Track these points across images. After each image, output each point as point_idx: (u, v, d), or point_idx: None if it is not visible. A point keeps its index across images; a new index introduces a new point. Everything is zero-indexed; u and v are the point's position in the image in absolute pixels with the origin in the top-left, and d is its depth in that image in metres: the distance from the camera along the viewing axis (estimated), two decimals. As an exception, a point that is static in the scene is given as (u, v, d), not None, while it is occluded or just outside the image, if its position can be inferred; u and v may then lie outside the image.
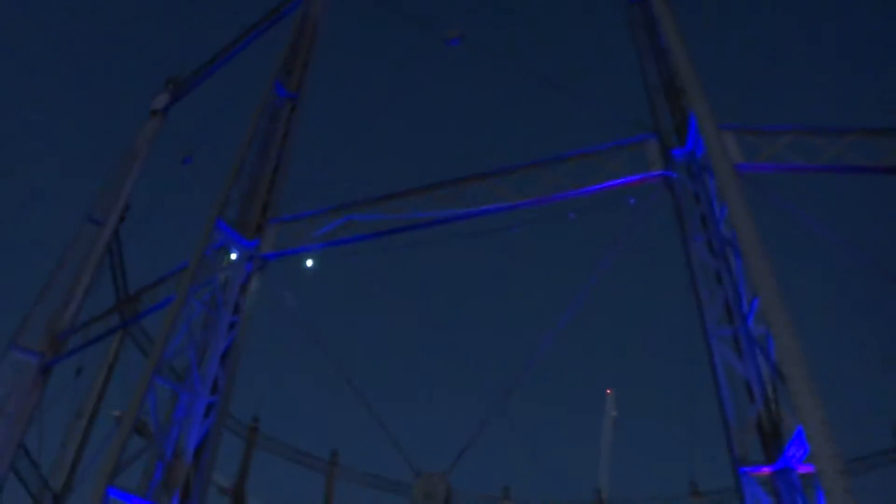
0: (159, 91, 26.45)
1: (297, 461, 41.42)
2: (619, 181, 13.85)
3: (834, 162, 13.36)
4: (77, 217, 22.19)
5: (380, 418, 14.18)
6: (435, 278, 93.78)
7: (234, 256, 15.95)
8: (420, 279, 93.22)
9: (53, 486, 28.20)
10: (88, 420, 31.51)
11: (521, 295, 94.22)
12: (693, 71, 13.88)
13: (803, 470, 9.61)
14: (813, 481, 9.05)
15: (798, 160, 13.40)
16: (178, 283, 14.44)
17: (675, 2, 15.23)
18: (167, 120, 25.50)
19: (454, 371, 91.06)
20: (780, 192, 13.30)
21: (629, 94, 15.43)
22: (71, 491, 28.81)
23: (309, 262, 16.32)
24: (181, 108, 25.74)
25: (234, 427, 34.17)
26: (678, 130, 14.09)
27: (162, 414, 13.35)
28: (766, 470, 10.04)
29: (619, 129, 14.65)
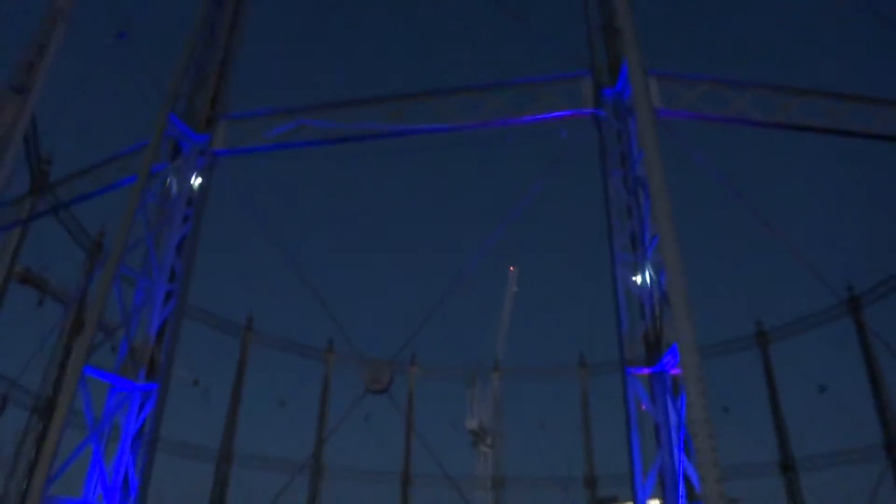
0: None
1: (213, 326, 43.10)
2: (553, 114, 15.30)
3: (738, 114, 15.40)
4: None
5: (308, 282, 15.85)
6: (377, 188, 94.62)
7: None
8: (363, 186, 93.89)
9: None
10: (3, 284, 31.58)
11: (457, 210, 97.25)
12: (629, 15, 15.05)
13: (674, 373, 12.35)
14: (679, 383, 11.88)
15: (710, 110, 15.33)
16: (140, 169, 14.90)
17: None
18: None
19: (387, 270, 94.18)
20: (700, 140, 15.33)
21: (573, 29, 16.52)
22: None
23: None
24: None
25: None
26: (612, 70, 15.49)
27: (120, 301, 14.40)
28: (646, 371, 12.75)
29: (560, 63, 15.91)
